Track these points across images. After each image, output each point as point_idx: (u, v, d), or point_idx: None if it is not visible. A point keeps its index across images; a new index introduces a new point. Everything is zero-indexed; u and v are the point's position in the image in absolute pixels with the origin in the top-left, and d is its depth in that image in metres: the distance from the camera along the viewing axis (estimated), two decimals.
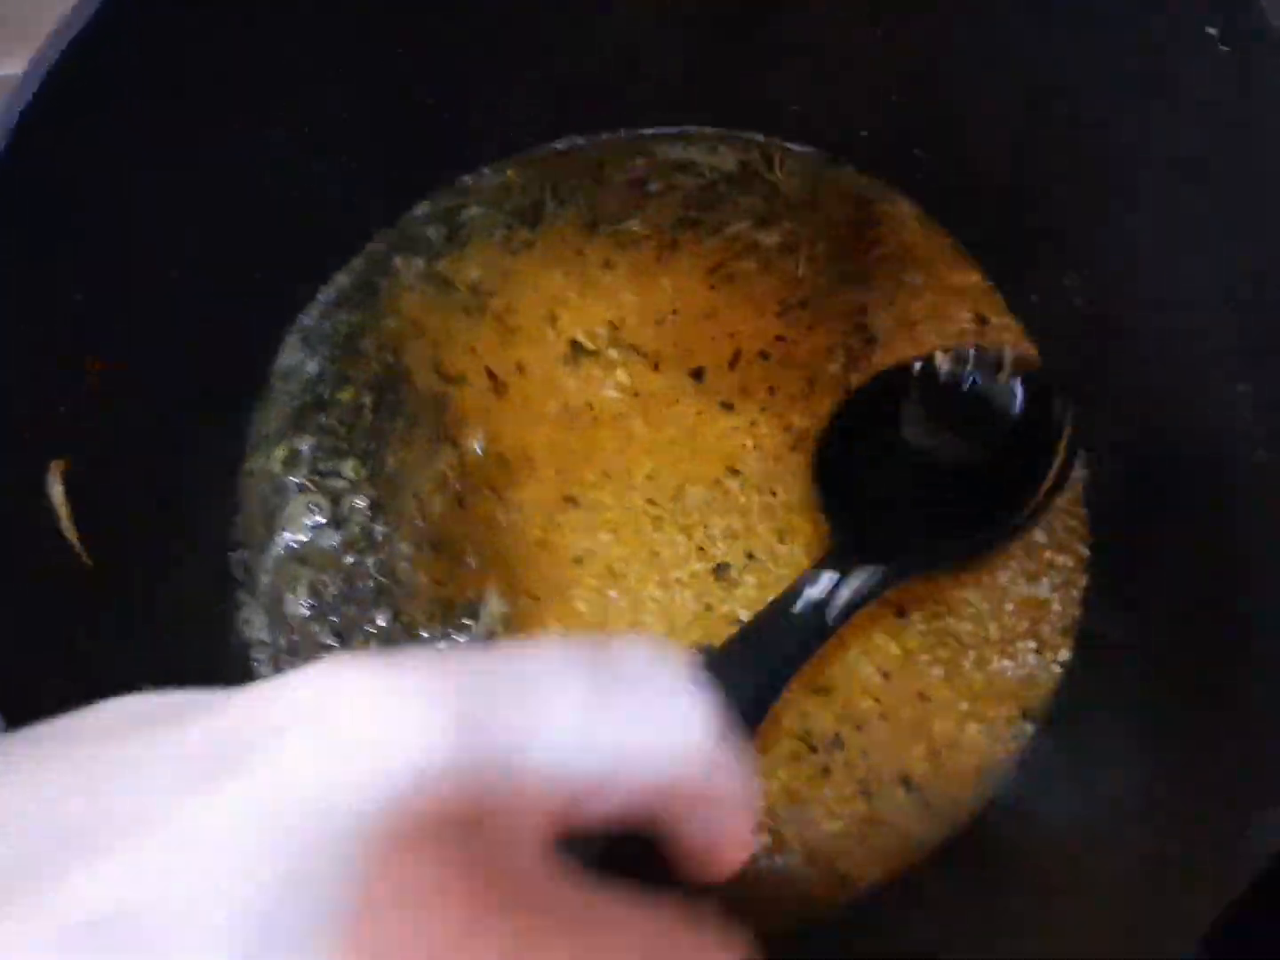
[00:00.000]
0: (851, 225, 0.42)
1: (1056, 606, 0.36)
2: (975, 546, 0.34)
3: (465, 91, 0.41)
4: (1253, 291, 0.30)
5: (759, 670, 0.29)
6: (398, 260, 0.42)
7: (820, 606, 0.30)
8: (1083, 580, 0.37)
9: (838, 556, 0.32)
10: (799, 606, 0.30)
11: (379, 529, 0.39)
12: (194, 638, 0.37)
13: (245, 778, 0.11)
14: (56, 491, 0.31)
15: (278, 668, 0.38)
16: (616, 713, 0.13)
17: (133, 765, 0.12)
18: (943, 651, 0.36)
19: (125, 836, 0.11)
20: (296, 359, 0.41)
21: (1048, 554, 0.37)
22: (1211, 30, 0.29)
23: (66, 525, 0.31)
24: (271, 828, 0.11)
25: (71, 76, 0.29)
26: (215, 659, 0.38)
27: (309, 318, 0.42)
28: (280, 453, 0.40)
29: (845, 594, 0.30)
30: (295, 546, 0.39)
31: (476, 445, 0.39)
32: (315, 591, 0.38)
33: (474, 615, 0.37)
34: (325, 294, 0.42)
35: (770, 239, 0.42)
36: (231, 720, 0.12)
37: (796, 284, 0.41)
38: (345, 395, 0.41)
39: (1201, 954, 0.24)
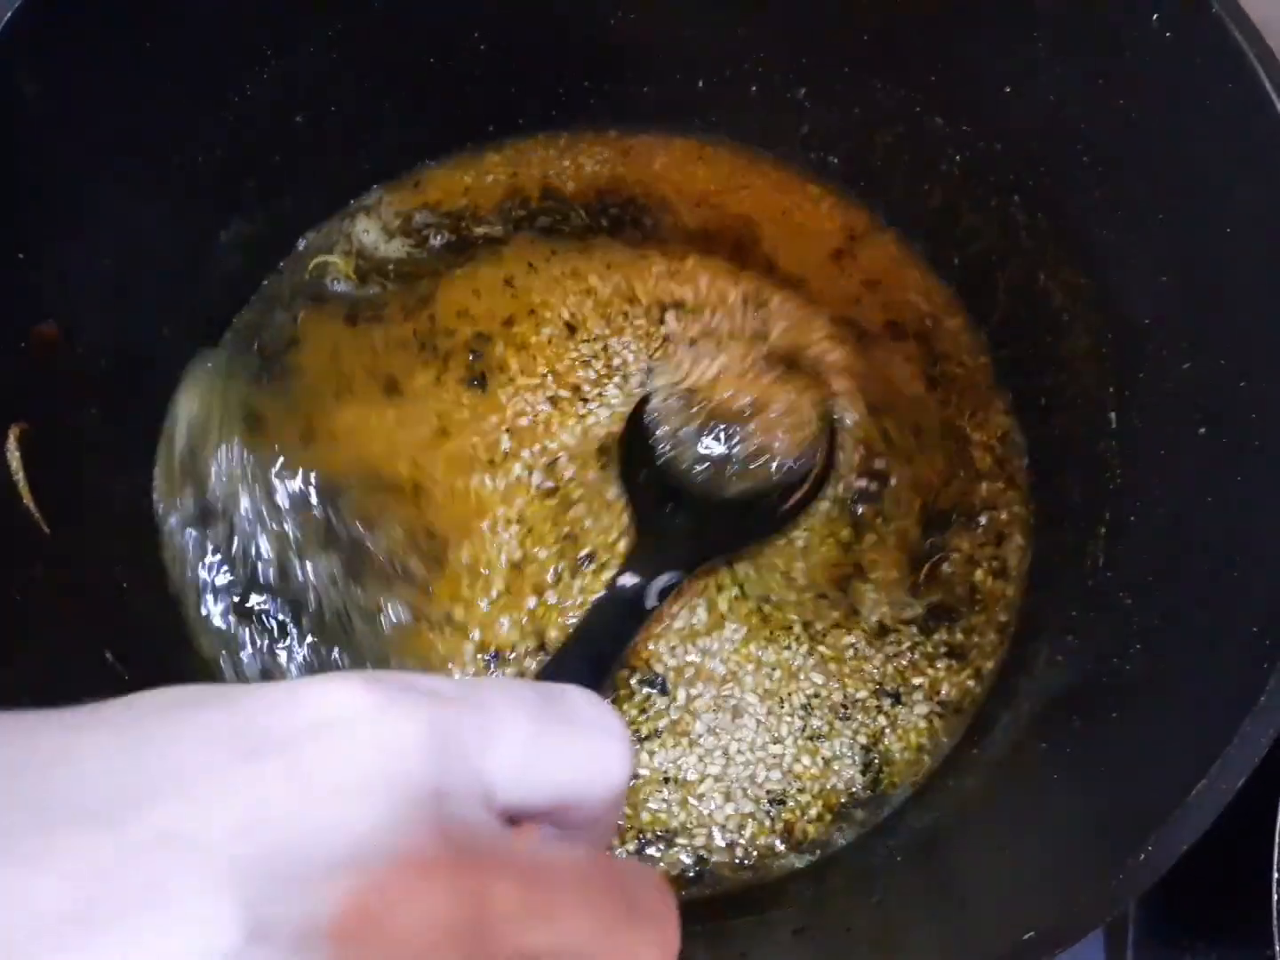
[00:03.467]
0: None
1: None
2: (757, 533, 0.39)
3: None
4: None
5: (593, 657, 0.35)
6: None
7: (638, 595, 0.36)
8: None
9: (643, 556, 0.37)
10: (616, 601, 0.36)
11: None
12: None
13: (285, 758, 0.15)
14: (14, 457, 0.31)
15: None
16: (554, 744, 0.18)
17: (172, 739, 0.15)
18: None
19: (170, 790, 0.14)
20: None
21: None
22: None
23: (24, 492, 0.32)
24: (310, 789, 0.15)
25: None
26: (156, 612, 0.40)
27: None
28: None
29: (661, 581, 0.36)
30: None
31: None
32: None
33: None
34: None
35: None
36: (261, 716, 0.16)
37: None
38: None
39: None
